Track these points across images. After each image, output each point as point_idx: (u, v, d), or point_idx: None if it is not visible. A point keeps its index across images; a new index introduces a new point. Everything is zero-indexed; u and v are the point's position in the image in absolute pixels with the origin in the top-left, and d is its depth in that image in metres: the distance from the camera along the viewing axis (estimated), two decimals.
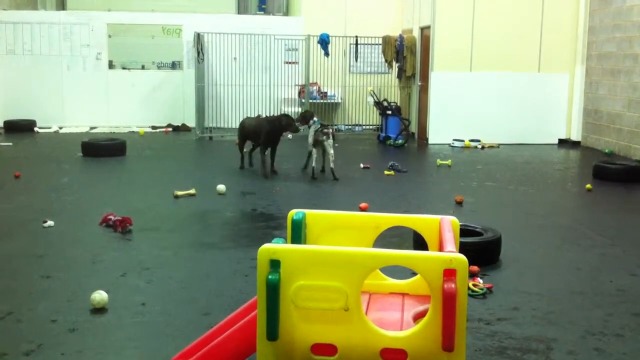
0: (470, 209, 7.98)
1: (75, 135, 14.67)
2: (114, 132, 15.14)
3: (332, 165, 9.75)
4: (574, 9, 13.95)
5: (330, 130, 9.88)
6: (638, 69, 12.02)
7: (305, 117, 10.18)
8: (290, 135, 10.13)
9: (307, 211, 3.67)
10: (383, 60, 15.49)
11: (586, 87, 13.90)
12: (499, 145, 13.79)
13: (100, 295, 4.64)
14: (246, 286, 5.08)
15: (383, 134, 14.50)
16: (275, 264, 2.95)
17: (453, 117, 13.96)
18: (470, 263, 3.86)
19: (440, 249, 3.36)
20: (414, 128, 15.22)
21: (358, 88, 15.92)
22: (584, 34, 13.83)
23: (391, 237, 6.01)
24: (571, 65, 14.11)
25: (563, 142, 14.22)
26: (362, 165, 10.87)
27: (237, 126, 11.22)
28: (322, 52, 15.06)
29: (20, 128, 15.28)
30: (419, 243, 4.94)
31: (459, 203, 8.23)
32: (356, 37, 15.46)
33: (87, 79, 16.20)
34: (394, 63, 15.39)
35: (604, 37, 13.20)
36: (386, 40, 15.25)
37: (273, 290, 2.93)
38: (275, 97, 15.55)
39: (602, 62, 13.28)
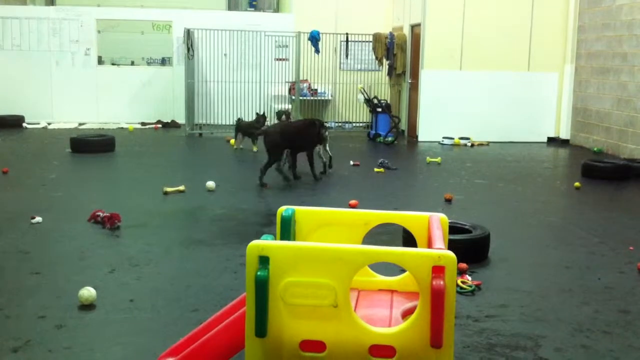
0: (460, 207, 7.99)
1: (64, 131, 14.60)
2: (103, 128, 15.08)
3: (325, 160, 9.85)
4: (564, 8, 14.00)
5: None
6: (627, 68, 12.08)
7: (288, 117, 10.26)
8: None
9: (296, 208, 3.67)
10: (373, 57, 15.50)
11: (575, 85, 13.95)
12: (488, 143, 13.83)
13: (88, 292, 4.62)
14: (235, 283, 5.07)
15: (373, 132, 14.51)
16: (264, 261, 2.95)
17: (443, 115, 13.99)
18: (459, 260, 3.86)
19: (429, 246, 3.37)
20: (404, 125, 15.24)
21: (348, 85, 15.92)
22: (574, 33, 13.88)
23: (380, 234, 6.02)
24: (560, 64, 14.16)
25: (552, 141, 14.28)
26: (352, 163, 10.87)
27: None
28: (313, 49, 15.04)
29: (9, 124, 15.21)
30: (408, 240, 4.94)
31: (449, 200, 8.25)
32: (347, 34, 15.45)
33: (76, 75, 16.12)
34: (384, 60, 15.39)
35: (593, 36, 13.25)
36: (377, 38, 15.26)
37: (262, 287, 2.93)
38: (266, 94, 15.54)
39: (592, 61, 13.33)
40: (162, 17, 16.74)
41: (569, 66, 14.02)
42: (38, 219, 6.84)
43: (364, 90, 14.93)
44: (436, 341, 2.86)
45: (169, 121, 16.13)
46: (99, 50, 16.40)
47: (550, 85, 14.21)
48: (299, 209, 3.67)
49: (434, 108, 14.01)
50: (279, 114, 11.68)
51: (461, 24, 13.87)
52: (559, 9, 14.01)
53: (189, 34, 14.66)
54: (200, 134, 14.69)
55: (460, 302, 4.72)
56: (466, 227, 6.10)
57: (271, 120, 14.72)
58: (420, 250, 3.11)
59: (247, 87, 15.35)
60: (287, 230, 3.58)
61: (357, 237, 3.67)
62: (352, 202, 7.76)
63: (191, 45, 14.76)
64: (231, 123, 13.80)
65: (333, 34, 15.61)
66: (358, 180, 9.66)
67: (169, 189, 8.38)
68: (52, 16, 16.08)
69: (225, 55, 15.42)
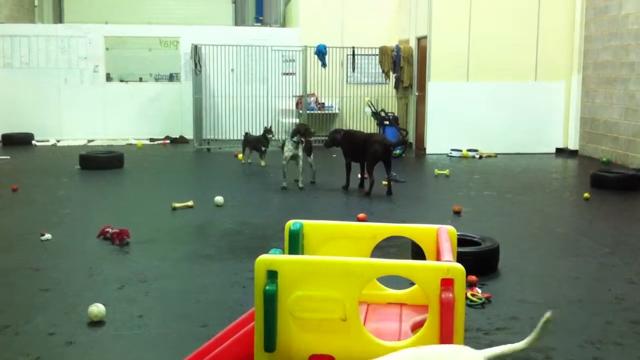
0: (469, 219, 7.97)
1: (73, 148, 14.66)
2: (111, 145, 15.14)
3: (314, 169, 10.36)
4: (570, 18, 14.00)
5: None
6: (634, 77, 12.06)
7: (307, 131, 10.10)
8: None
9: (304, 222, 3.67)
10: (380, 70, 15.53)
11: (583, 95, 13.93)
12: (496, 155, 13.80)
13: (97, 308, 4.62)
14: (244, 297, 5.06)
15: None
16: (272, 275, 2.95)
17: (450, 127, 13.99)
18: (469, 273, 3.84)
19: (438, 258, 3.36)
20: (411, 138, 15.23)
21: (355, 98, 15.93)
22: (580, 43, 13.88)
23: (389, 247, 6.01)
24: (568, 74, 14.15)
25: (560, 151, 14.24)
26: (359, 176, 10.85)
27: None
28: (320, 63, 15.09)
29: (18, 141, 15.29)
30: (417, 253, 4.93)
31: (457, 213, 8.22)
32: (353, 47, 15.49)
33: (84, 92, 16.22)
34: (391, 73, 15.42)
35: (600, 45, 13.24)
36: (383, 51, 15.29)
37: (270, 301, 2.92)
38: (273, 108, 15.57)
39: (599, 71, 13.31)
40: (170, 33, 16.83)
41: (576, 76, 14.00)
42: (47, 235, 6.86)
43: (371, 104, 14.94)
44: None
45: (177, 137, 16.18)
46: (107, 67, 16.50)
47: (557, 95, 14.19)
48: (307, 223, 3.67)
49: (442, 120, 14.01)
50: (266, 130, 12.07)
51: (467, 35, 13.89)
52: (564, 18, 14.01)
53: (196, 49, 14.73)
54: (209, 149, 14.72)
55: (470, 314, 4.69)
56: (475, 239, 6.08)
57: (279, 134, 14.77)
58: (428, 263, 3.10)
59: (255, 101, 15.38)
60: (296, 244, 3.58)
61: (365, 250, 3.66)
62: (361, 215, 7.76)
63: (198, 61, 14.83)
64: (239, 138, 13.82)
65: (339, 47, 15.64)
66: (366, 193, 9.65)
67: (177, 205, 8.40)
68: (60, 34, 16.21)
69: (232, 70, 15.49)
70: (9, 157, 13.22)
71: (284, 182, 9.88)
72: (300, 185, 9.83)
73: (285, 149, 9.95)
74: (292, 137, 9.93)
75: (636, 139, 11.97)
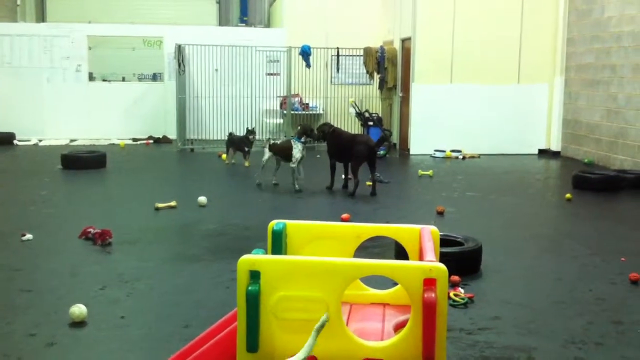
0: (452, 219, 8.00)
1: (54, 147, 14.55)
2: (94, 145, 15.05)
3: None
4: (553, 20, 14.10)
5: None
6: (616, 79, 12.15)
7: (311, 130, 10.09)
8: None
9: (287, 222, 3.66)
10: (364, 71, 15.55)
11: (565, 97, 14.03)
12: (479, 156, 13.86)
13: (79, 309, 4.58)
14: (227, 298, 5.05)
15: None
16: (255, 275, 2.94)
17: (434, 128, 14.03)
18: (452, 273, 3.86)
19: (421, 258, 3.37)
20: (395, 139, 15.27)
21: (340, 99, 15.94)
22: (563, 46, 13.97)
23: (373, 247, 6.02)
24: (550, 76, 14.24)
25: (543, 152, 14.33)
26: (343, 176, 10.86)
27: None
28: (304, 63, 15.08)
29: None
30: (400, 253, 4.94)
31: (440, 213, 8.25)
32: (337, 48, 15.50)
33: (67, 91, 16.10)
34: (375, 74, 15.45)
35: (582, 48, 13.34)
36: (367, 52, 15.31)
37: (253, 302, 2.92)
38: (257, 108, 15.55)
39: (581, 73, 13.41)
40: (153, 33, 16.77)
41: (559, 78, 14.09)
42: (29, 236, 6.80)
43: (356, 104, 14.96)
44: (428, 354, 2.85)
45: (161, 137, 16.11)
46: (90, 66, 16.39)
47: (540, 97, 14.28)
48: (290, 223, 3.67)
49: (425, 121, 14.05)
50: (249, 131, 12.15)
51: (451, 37, 13.94)
52: (548, 21, 14.10)
53: (180, 49, 14.67)
54: (192, 149, 14.67)
55: (453, 314, 4.71)
56: (458, 239, 6.09)
57: (263, 134, 14.75)
58: (411, 263, 3.10)
59: (239, 102, 15.35)
60: (279, 244, 3.57)
61: (348, 250, 3.66)
62: (345, 215, 7.76)
63: (182, 61, 14.77)
64: (223, 138, 13.79)
65: (324, 48, 15.63)
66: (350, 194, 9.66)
67: (160, 205, 8.36)
68: (43, 33, 16.07)
69: (216, 70, 15.44)
70: None
71: (297, 185, 9.72)
72: (297, 186, 9.75)
73: (296, 150, 9.72)
74: (299, 138, 9.83)
75: (618, 140, 12.06)
